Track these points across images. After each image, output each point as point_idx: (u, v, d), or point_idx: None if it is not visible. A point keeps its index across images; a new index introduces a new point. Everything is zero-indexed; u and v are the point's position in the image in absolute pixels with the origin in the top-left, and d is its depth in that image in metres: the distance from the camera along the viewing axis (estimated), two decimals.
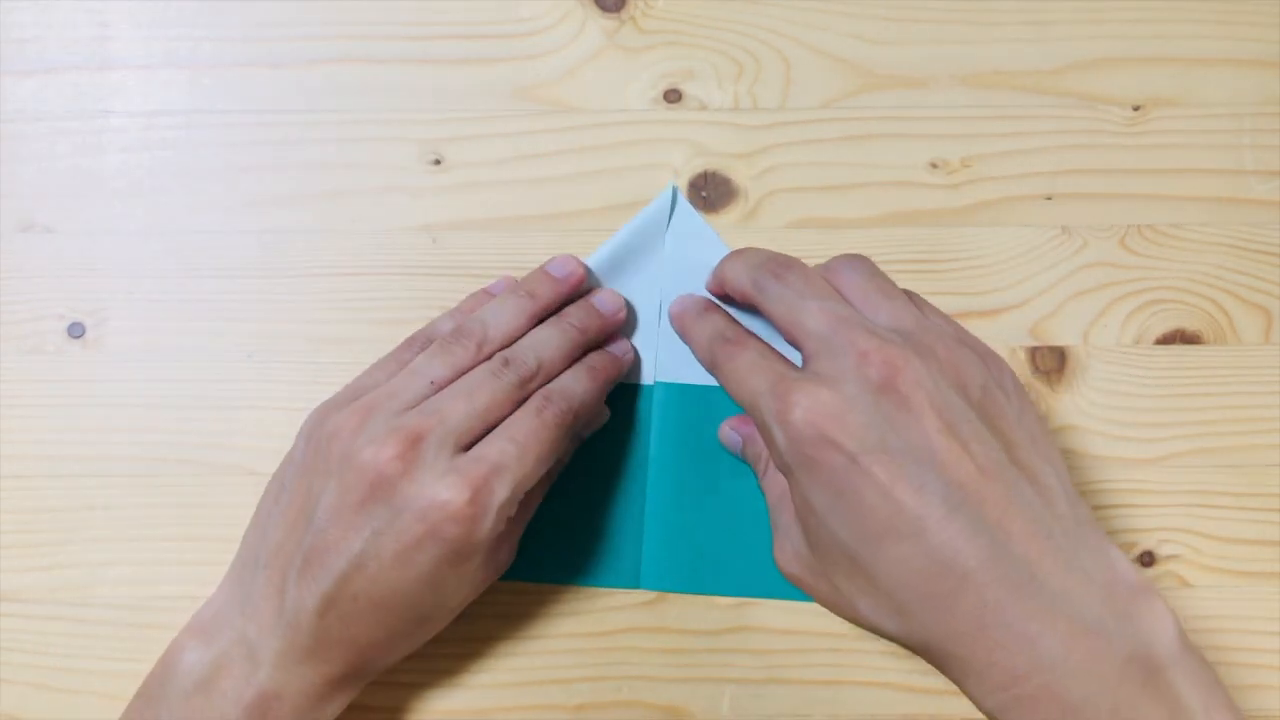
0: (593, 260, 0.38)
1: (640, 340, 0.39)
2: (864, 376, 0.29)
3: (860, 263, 0.34)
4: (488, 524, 0.32)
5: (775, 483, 0.35)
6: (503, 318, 0.36)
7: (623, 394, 0.39)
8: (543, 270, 0.38)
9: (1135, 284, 0.40)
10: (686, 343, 0.37)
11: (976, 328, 0.40)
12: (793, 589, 0.38)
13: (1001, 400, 0.31)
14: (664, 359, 0.39)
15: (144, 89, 0.40)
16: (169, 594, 0.38)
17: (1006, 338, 0.40)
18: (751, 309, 0.35)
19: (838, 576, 0.31)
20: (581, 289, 0.38)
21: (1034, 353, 0.40)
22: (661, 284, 0.39)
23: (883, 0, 0.41)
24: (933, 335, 0.31)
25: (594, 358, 0.37)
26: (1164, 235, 0.40)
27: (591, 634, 0.39)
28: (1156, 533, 0.39)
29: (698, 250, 0.39)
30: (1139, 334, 0.40)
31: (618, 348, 0.38)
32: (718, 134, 0.40)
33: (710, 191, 0.40)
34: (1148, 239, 0.40)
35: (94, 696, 0.38)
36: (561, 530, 0.38)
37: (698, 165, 0.40)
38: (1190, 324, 0.40)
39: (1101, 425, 0.40)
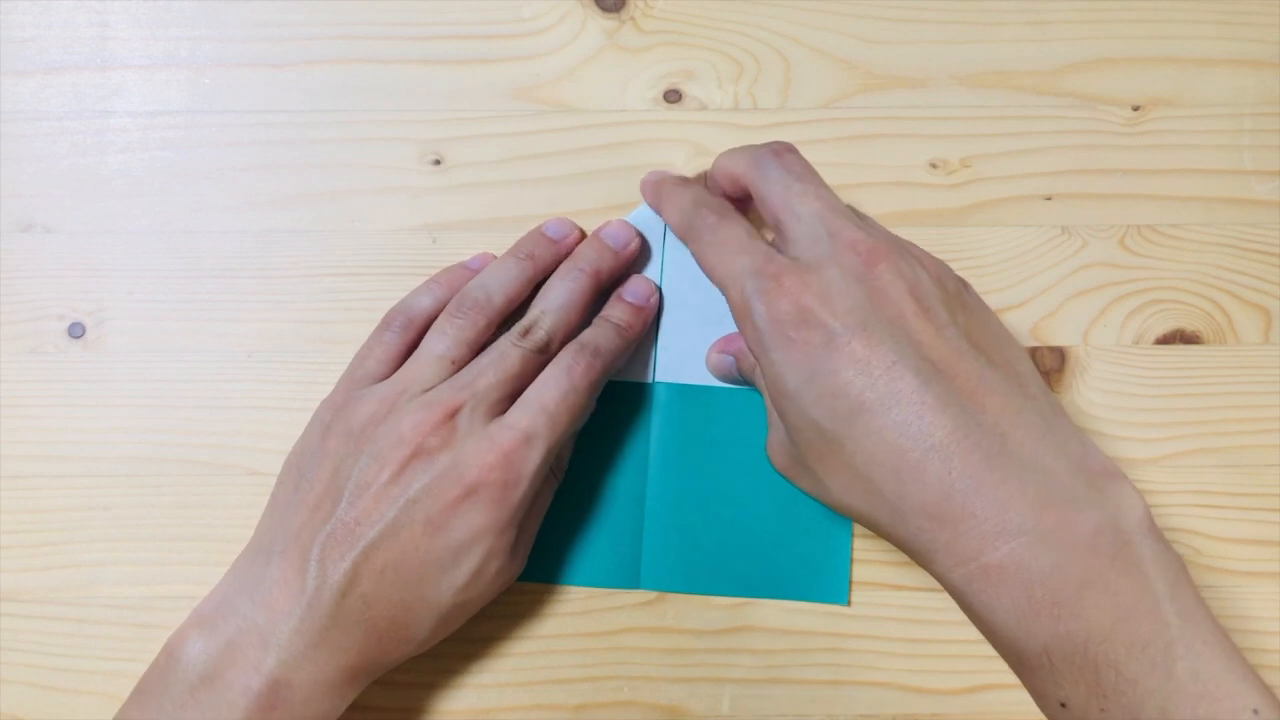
0: None
1: (641, 340, 0.39)
2: (847, 264, 0.30)
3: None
4: (522, 489, 0.33)
5: None
6: (504, 281, 0.36)
7: (623, 393, 0.39)
8: (539, 232, 0.38)
9: (1135, 284, 0.40)
10: (659, 211, 0.37)
11: None
12: (793, 589, 0.39)
13: (973, 303, 0.32)
14: (664, 359, 0.39)
15: (144, 89, 0.40)
16: (169, 594, 0.38)
17: None
18: (739, 198, 0.35)
19: (811, 458, 0.31)
20: None
21: (1034, 353, 0.40)
22: (660, 282, 0.39)
23: (883, 0, 0.41)
24: (908, 244, 0.33)
25: (618, 313, 0.37)
26: (1164, 235, 0.40)
27: (591, 634, 0.39)
28: None
29: None
30: (1139, 334, 0.40)
31: (638, 294, 0.38)
32: (718, 134, 0.40)
33: None
34: (1148, 239, 0.40)
35: (94, 696, 0.38)
36: (561, 530, 0.38)
37: (698, 165, 0.40)
38: (1190, 324, 0.40)
39: (1101, 425, 0.40)
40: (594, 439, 0.38)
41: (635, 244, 0.38)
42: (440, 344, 0.35)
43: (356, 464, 0.33)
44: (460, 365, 0.35)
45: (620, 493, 0.39)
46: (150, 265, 0.40)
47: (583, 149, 0.40)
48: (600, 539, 0.39)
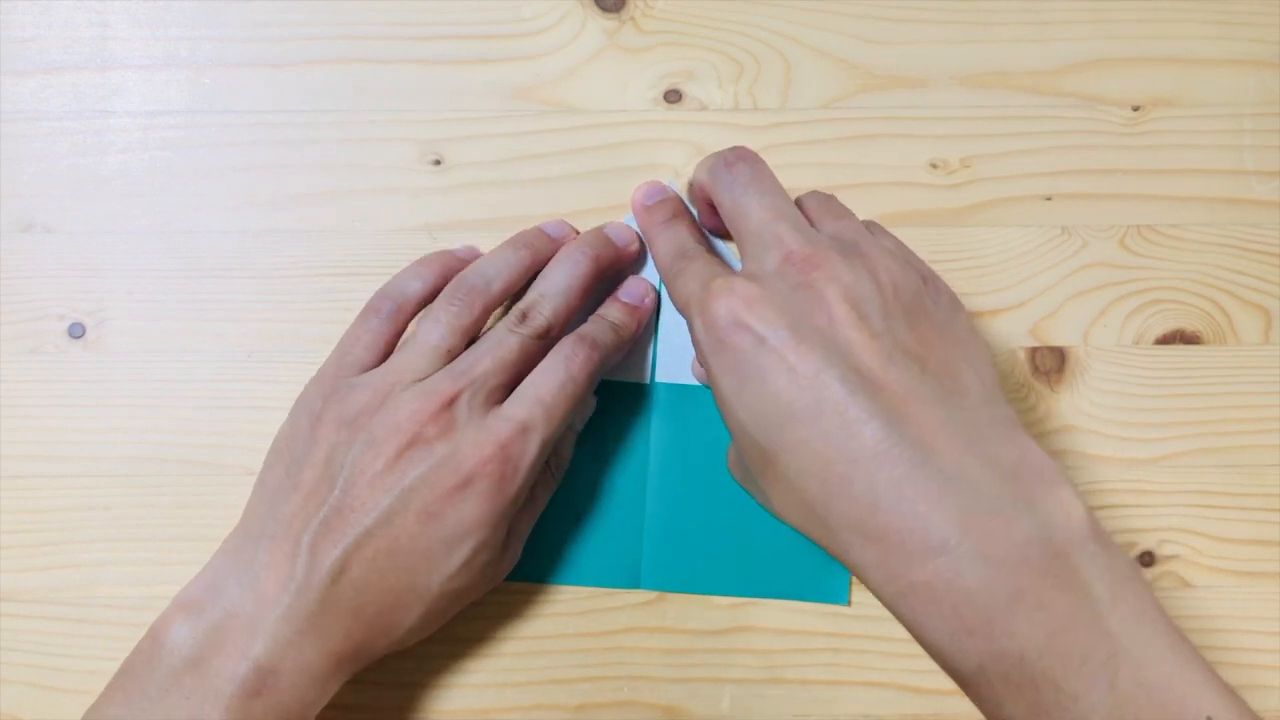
0: None
1: (640, 341, 0.39)
2: (783, 272, 0.30)
3: (824, 194, 0.35)
4: (519, 481, 0.33)
5: None
6: (502, 269, 0.36)
7: (623, 393, 0.39)
8: (537, 228, 0.38)
9: (1135, 284, 0.40)
10: (647, 243, 0.38)
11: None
12: (793, 589, 0.39)
13: (930, 306, 0.31)
14: (664, 360, 0.39)
15: (144, 89, 0.40)
16: (169, 594, 0.38)
17: (1006, 338, 0.40)
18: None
19: (754, 470, 0.31)
20: None
21: (1034, 353, 0.40)
22: (659, 283, 0.39)
23: (883, 0, 0.41)
24: (870, 246, 0.32)
25: (614, 313, 0.37)
26: (1164, 235, 0.40)
27: (591, 634, 0.39)
28: (1156, 533, 0.39)
29: None
30: (1139, 334, 0.40)
31: (634, 294, 0.38)
32: (718, 134, 0.40)
33: None
34: (1148, 239, 0.40)
35: (94, 696, 0.38)
36: (562, 530, 0.38)
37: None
38: (1190, 324, 0.40)
39: (1101, 425, 0.40)
40: (594, 439, 0.38)
41: (636, 245, 0.38)
42: (435, 333, 0.35)
43: (350, 451, 0.33)
44: (455, 355, 0.35)
45: (620, 493, 0.39)
46: (150, 265, 0.40)
47: (583, 149, 0.40)
48: (601, 539, 0.39)
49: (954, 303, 0.32)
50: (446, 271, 0.37)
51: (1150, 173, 0.41)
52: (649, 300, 0.38)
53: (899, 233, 0.40)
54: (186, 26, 0.40)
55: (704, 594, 0.39)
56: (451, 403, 0.33)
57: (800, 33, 0.41)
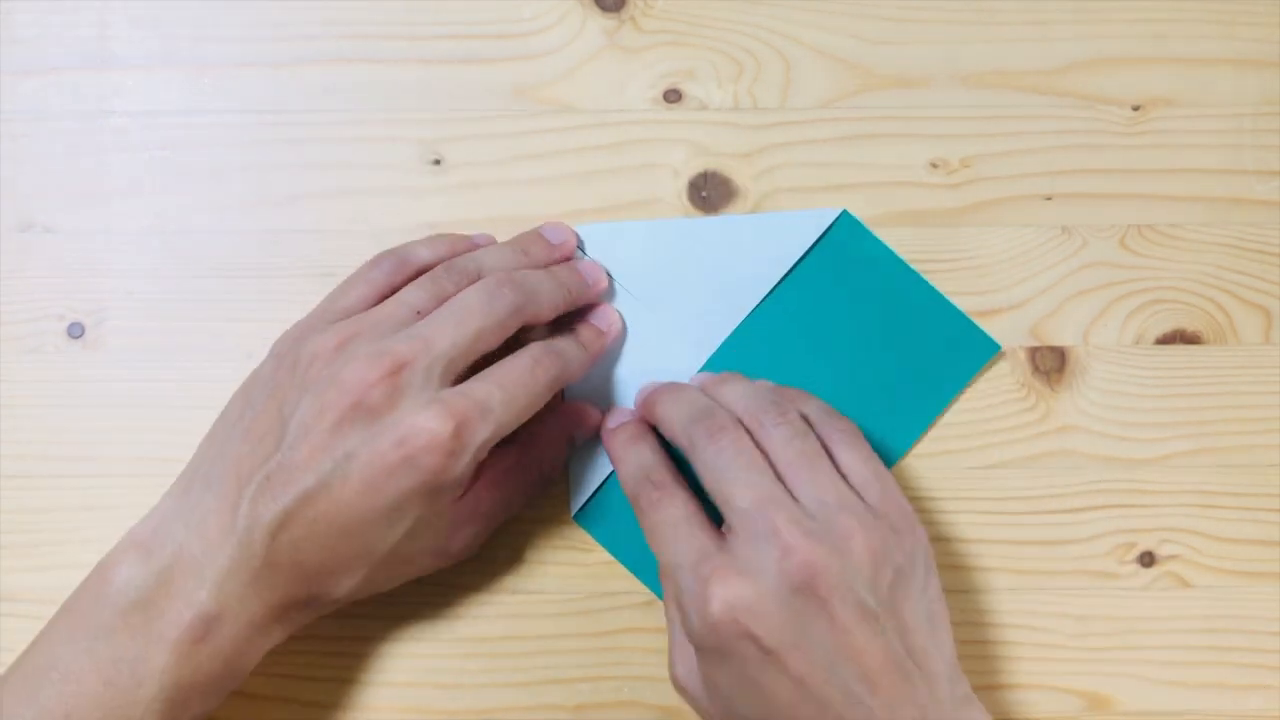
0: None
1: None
2: (784, 572, 0.31)
3: (785, 424, 0.34)
4: (464, 461, 0.32)
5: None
6: (496, 266, 0.36)
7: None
8: (537, 233, 0.38)
9: (1135, 284, 0.40)
10: (612, 463, 0.37)
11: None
12: None
13: (909, 581, 0.32)
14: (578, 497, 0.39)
15: (144, 89, 0.40)
16: None
17: (1006, 338, 0.40)
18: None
19: None
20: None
21: (1034, 353, 0.40)
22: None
23: (883, 0, 0.41)
24: (852, 517, 0.32)
25: (585, 333, 0.37)
26: (1164, 235, 0.40)
27: (591, 634, 0.39)
28: (1156, 533, 0.39)
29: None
30: (1139, 334, 0.40)
31: (602, 319, 0.38)
32: (718, 134, 0.40)
33: (710, 191, 0.40)
34: (1148, 239, 0.40)
35: None
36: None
37: (698, 165, 0.40)
38: (1190, 324, 0.40)
39: (1101, 425, 0.40)
40: None
41: (604, 284, 0.38)
42: (414, 294, 0.34)
43: (300, 403, 0.32)
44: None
45: None
46: (150, 265, 0.40)
47: (583, 149, 0.40)
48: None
49: (926, 557, 0.33)
50: (456, 250, 0.36)
51: (1150, 173, 0.41)
52: (615, 328, 0.38)
53: (899, 232, 0.40)
54: (186, 26, 0.40)
55: None
56: (403, 367, 0.32)
57: (800, 32, 0.41)
